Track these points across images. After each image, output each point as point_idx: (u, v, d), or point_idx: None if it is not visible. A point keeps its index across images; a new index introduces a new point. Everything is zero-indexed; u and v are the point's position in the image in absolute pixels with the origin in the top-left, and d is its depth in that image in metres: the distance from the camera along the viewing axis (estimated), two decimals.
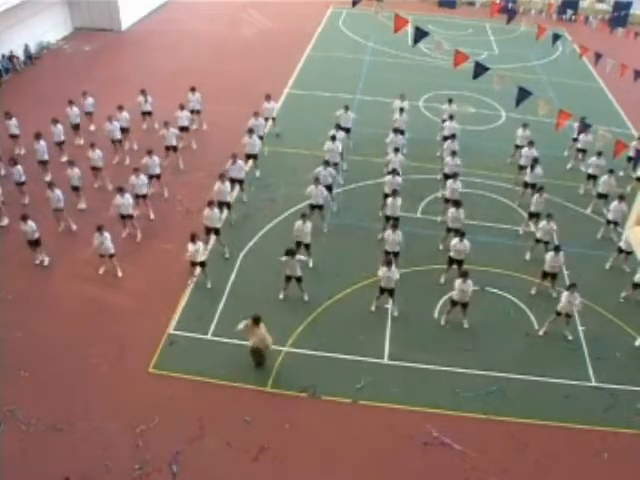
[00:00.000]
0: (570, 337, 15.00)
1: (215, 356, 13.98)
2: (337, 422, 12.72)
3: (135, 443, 12.00)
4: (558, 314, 14.72)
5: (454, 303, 14.92)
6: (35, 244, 16.04)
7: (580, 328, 15.35)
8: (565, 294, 14.47)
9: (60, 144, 20.30)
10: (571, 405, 13.41)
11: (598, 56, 22.88)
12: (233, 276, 16.33)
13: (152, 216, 18.20)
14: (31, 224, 15.70)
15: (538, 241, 16.98)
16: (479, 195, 20.40)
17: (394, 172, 18.22)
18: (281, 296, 15.60)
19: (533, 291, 16.27)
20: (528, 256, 17.34)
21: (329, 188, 18.21)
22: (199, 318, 14.95)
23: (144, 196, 17.86)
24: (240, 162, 18.62)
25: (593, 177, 20.05)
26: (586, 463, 12.30)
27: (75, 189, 18.16)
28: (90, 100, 22.08)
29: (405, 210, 18.78)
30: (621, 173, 21.29)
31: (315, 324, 14.96)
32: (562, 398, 13.56)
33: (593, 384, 13.92)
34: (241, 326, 13.39)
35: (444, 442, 12.44)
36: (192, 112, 22.53)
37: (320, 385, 13.40)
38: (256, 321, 13.20)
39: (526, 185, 19.36)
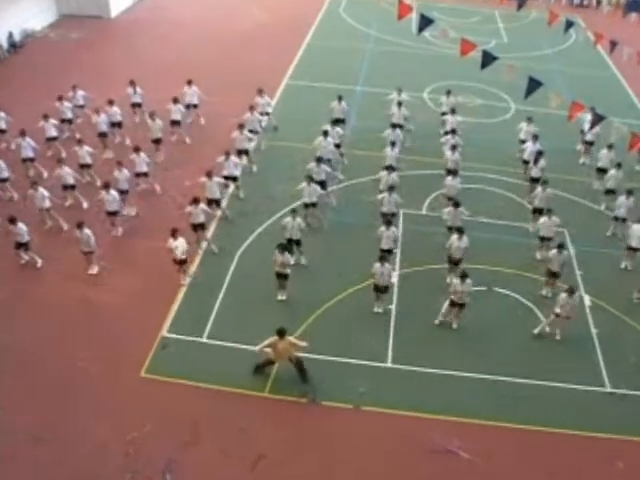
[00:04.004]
0: (558, 337, 15.06)
1: (210, 360, 14.04)
2: (338, 429, 12.77)
3: (126, 451, 12.03)
4: (557, 316, 14.84)
5: (453, 304, 15.02)
6: (23, 246, 16.12)
7: (594, 331, 15.41)
8: (563, 297, 14.54)
9: (51, 140, 20.39)
10: (584, 411, 13.47)
11: (613, 44, 22.88)
12: (229, 276, 16.40)
13: (133, 213, 18.29)
14: (21, 226, 15.79)
15: (542, 239, 17.07)
16: (487, 191, 20.46)
17: (389, 168, 18.35)
18: (279, 297, 15.70)
19: (544, 291, 16.34)
20: (539, 255, 17.41)
21: (322, 185, 18.31)
22: (193, 320, 15.01)
23: (126, 191, 18.01)
24: (233, 158, 18.72)
25: (604, 170, 20.12)
26: (600, 473, 12.34)
27: (67, 188, 18.21)
28: (80, 93, 22.11)
29: (410, 207, 18.89)
30: (638, 167, 21.36)
31: (315, 326, 15.01)
32: (575, 404, 13.62)
33: (607, 389, 13.98)
34: (261, 346, 13.31)
35: (451, 450, 12.49)
36: (188, 107, 22.63)
37: (320, 390, 13.45)
38: (281, 334, 13.13)
39: (533, 180, 19.47)
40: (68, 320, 14.89)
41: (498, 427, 12.98)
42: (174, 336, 14.59)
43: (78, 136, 20.46)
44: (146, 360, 13.89)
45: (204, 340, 14.55)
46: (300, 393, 13.37)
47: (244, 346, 14.18)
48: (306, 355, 13.71)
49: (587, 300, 16.13)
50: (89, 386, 13.28)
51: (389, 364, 14.23)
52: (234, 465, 11.95)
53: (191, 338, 14.56)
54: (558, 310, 14.70)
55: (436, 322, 15.30)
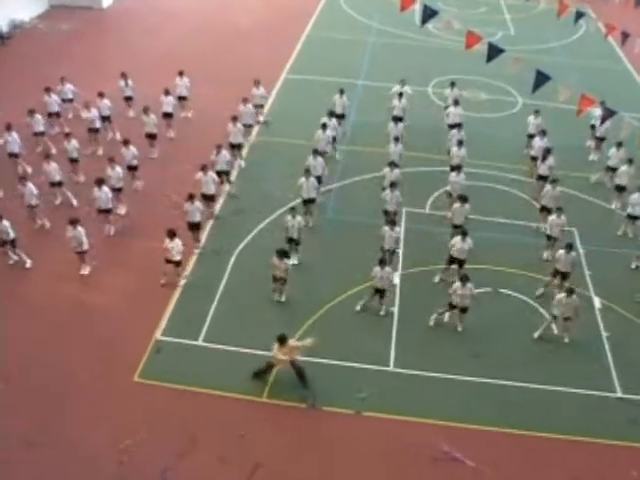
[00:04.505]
0: (566, 340, 15.09)
1: (206, 364, 14.06)
2: (339, 435, 12.80)
3: (119, 459, 12.04)
4: (554, 317, 14.87)
5: (452, 306, 15.03)
6: (9, 244, 16.13)
7: (604, 333, 15.44)
8: (560, 297, 14.55)
9: (39, 135, 20.39)
10: (594, 417, 13.50)
11: (625, 36, 22.90)
12: (226, 276, 16.41)
13: (123, 211, 18.29)
14: (5, 223, 15.79)
15: (549, 237, 17.12)
16: (492, 188, 20.48)
17: (392, 164, 18.39)
18: (276, 298, 15.72)
19: (538, 292, 16.33)
20: (546, 255, 17.43)
21: (318, 179, 18.41)
22: (189, 322, 15.02)
23: (119, 189, 18.02)
24: (225, 152, 18.78)
25: (613, 169, 20.13)
26: None
27: (55, 185, 18.22)
28: (69, 86, 22.15)
29: (412, 205, 18.93)
30: None
31: (315, 328, 14.99)
32: (584, 410, 13.65)
33: (618, 395, 14.01)
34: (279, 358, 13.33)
35: (455, 458, 12.51)
36: (180, 98, 22.69)
37: (320, 395, 13.47)
38: (282, 341, 13.13)
39: (540, 178, 19.49)
40: (59, 322, 14.91)
41: (504, 434, 13.01)
42: (169, 339, 14.60)
43: (67, 130, 20.43)
44: (140, 364, 13.90)
45: (200, 343, 14.55)
46: (300, 398, 13.39)
47: (242, 349, 14.21)
48: (306, 358, 13.75)
49: (597, 302, 16.17)
50: (81, 390, 13.29)
51: (391, 368, 14.26)
52: (232, 472, 11.96)
53: (186, 341, 14.58)
54: (556, 312, 14.75)
55: (430, 323, 15.33)
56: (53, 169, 17.96)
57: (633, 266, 17.43)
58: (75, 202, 18.49)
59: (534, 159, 20.42)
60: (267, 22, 33.02)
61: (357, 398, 13.45)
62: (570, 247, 15.64)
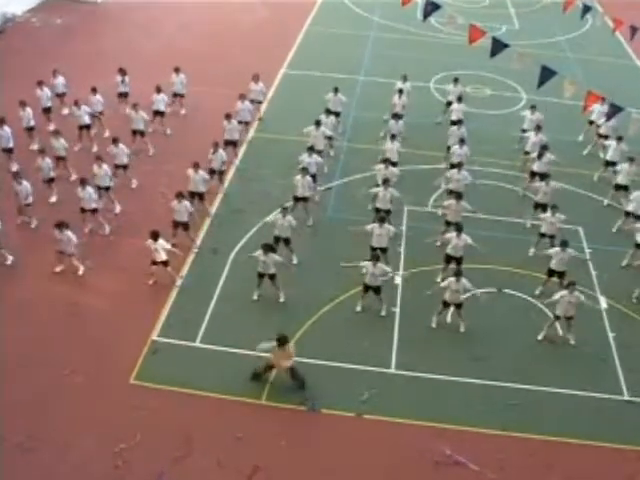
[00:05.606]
0: (572, 342, 15.13)
1: (204, 365, 14.10)
2: (339, 438, 12.84)
3: (114, 464, 12.06)
4: (557, 317, 14.91)
5: (446, 304, 15.08)
6: None
7: (610, 335, 15.49)
8: (563, 293, 14.57)
9: (30, 129, 20.43)
10: (601, 421, 13.53)
11: (634, 30, 22.96)
12: (224, 276, 16.47)
13: (117, 210, 18.33)
14: None
15: (543, 235, 17.15)
16: (494, 186, 20.54)
17: (386, 162, 18.44)
18: (255, 297, 15.74)
19: (537, 291, 16.39)
20: (532, 251, 17.48)
21: (314, 178, 18.49)
22: (186, 323, 15.06)
23: (107, 188, 18.03)
24: (221, 151, 18.87)
25: (612, 164, 20.16)
26: None
27: (48, 180, 18.25)
28: (61, 79, 22.18)
29: (414, 203, 18.98)
30: None
31: (315, 329, 15.09)
32: (591, 413, 13.70)
33: (626, 398, 14.05)
34: (265, 346, 13.40)
35: (458, 461, 12.54)
36: (175, 95, 22.75)
37: (320, 397, 13.52)
38: (281, 341, 13.10)
39: (533, 174, 19.50)
40: (51, 324, 14.93)
41: (509, 437, 13.04)
42: (165, 340, 14.64)
43: (52, 128, 20.43)
44: (135, 366, 13.94)
45: (197, 344, 14.60)
46: (299, 400, 13.44)
47: (240, 351, 14.25)
48: (305, 360, 13.80)
49: (603, 302, 16.22)
50: (75, 393, 13.32)
51: (393, 370, 14.31)
52: (230, 476, 11.99)
53: (183, 342, 14.62)
54: (558, 312, 14.78)
55: (432, 325, 15.37)
56: (47, 165, 17.97)
57: (623, 263, 17.42)
58: (55, 198, 18.43)
59: (527, 154, 20.45)
60: (266, 15, 33.07)
61: (358, 401, 13.50)
62: (566, 244, 15.62)
